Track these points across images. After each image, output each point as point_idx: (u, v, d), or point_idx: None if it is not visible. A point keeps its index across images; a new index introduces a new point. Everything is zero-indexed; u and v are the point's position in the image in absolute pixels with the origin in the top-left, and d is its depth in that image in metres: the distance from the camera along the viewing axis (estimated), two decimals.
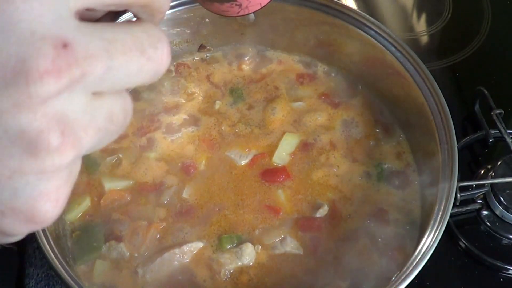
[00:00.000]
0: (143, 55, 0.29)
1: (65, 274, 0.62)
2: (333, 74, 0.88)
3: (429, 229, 0.64)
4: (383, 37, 0.78)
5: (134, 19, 0.33)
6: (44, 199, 0.28)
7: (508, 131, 0.83)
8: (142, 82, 0.31)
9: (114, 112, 0.30)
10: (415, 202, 0.75)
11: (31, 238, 0.65)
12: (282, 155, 0.79)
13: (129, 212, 0.76)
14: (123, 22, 0.31)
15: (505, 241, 0.78)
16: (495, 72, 0.98)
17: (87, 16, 0.30)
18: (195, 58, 0.91)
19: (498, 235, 0.79)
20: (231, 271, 0.71)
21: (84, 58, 0.26)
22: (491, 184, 0.78)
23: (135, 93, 0.87)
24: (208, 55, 0.91)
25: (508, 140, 0.81)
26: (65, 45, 0.26)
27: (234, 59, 0.91)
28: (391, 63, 0.78)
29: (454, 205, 0.67)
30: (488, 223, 0.79)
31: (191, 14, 0.83)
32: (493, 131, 0.85)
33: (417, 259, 0.62)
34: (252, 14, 0.85)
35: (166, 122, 0.84)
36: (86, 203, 0.76)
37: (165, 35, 0.31)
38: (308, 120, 0.83)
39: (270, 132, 0.83)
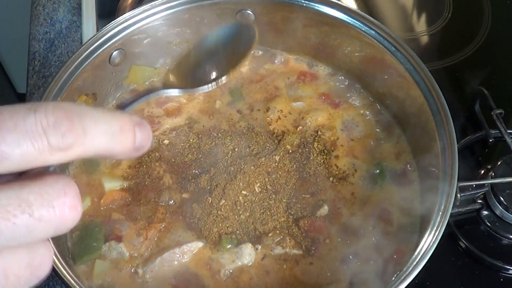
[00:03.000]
0: (31, 216, 0.29)
1: (65, 274, 0.62)
2: (333, 74, 0.88)
3: (429, 229, 0.64)
4: (383, 37, 0.78)
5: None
6: None
7: (508, 131, 0.83)
8: (44, 237, 0.31)
9: (10, 269, 0.30)
10: (415, 202, 0.75)
11: None
12: (281, 154, 0.79)
13: (129, 212, 0.76)
14: (19, 179, 0.31)
15: (505, 241, 0.78)
16: (495, 72, 0.98)
17: None
18: None
19: (498, 235, 0.79)
20: (231, 271, 0.71)
21: None
22: (491, 184, 0.78)
23: (135, 93, 0.87)
24: None
25: (508, 140, 0.81)
26: None
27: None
28: (391, 63, 0.78)
29: (454, 205, 0.67)
30: (488, 223, 0.79)
31: (191, 14, 0.83)
32: (493, 131, 0.85)
33: (417, 259, 0.62)
34: (252, 14, 0.85)
35: (166, 122, 0.84)
36: (86, 203, 0.76)
37: (71, 188, 0.31)
38: (308, 120, 0.83)
39: (270, 132, 0.83)
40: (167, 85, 0.61)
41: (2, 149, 0.28)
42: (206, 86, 0.60)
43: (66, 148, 0.30)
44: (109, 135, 0.32)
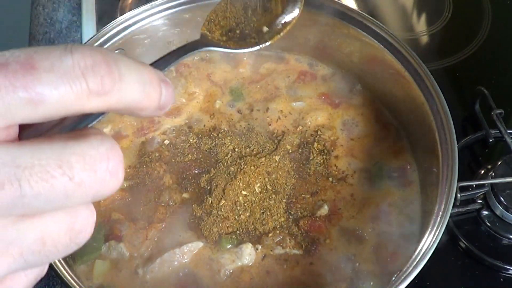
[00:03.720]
0: (71, 180, 0.27)
1: (65, 274, 0.62)
2: (333, 74, 0.88)
3: (429, 229, 0.64)
4: (383, 37, 0.78)
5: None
6: None
7: (508, 131, 0.83)
8: (80, 203, 0.28)
9: (48, 235, 0.28)
10: (415, 202, 0.75)
11: None
12: (282, 154, 0.79)
13: (129, 212, 0.76)
14: (61, 137, 0.28)
15: (505, 241, 0.78)
16: (495, 72, 0.98)
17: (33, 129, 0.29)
18: (195, 58, 0.91)
19: (498, 235, 0.78)
20: (231, 271, 0.71)
21: None
22: (491, 184, 0.78)
23: None
24: (208, 55, 0.91)
25: (508, 140, 0.81)
26: None
27: (234, 59, 0.91)
28: (391, 63, 0.78)
29: (454, 205, 0.67)
30: (488, 223, 0.79)
31: (191, 14, 0.83)
32: (493, 131, 0.85)
33: (417, 259, 0.62)
34: None
35: (166, 122, 0.84)
36: None
37: (116, 153, 0.29)
38: (308, 120, 0.83)
39: (270, 132, 0.83)
40: (205, 43, 0.54)
41: (39, 90, 0.26)
42: (250, 48, 0.55)
43: (104, 93, 0.27)
44: (141, 85, 0.29)
